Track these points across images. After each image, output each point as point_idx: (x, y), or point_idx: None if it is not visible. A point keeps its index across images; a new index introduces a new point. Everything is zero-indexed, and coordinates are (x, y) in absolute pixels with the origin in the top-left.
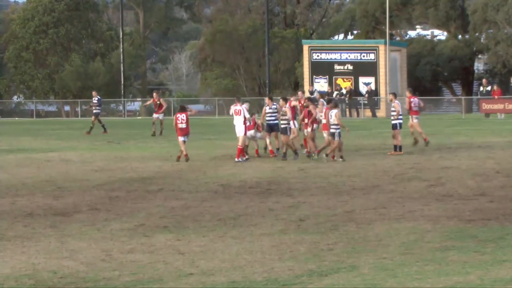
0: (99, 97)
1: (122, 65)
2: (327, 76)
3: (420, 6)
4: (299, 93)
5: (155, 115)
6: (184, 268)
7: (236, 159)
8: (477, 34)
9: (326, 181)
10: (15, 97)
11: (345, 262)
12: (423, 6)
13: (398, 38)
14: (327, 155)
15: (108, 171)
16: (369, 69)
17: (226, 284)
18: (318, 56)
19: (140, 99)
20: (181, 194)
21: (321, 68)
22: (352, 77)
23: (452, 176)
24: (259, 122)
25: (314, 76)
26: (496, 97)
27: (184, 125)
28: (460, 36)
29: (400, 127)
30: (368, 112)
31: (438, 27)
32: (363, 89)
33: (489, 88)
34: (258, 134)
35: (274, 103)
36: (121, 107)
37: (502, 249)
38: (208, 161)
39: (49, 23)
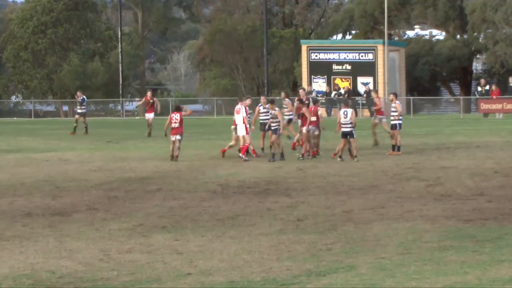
0: (84, 96)
1: (120, 65)
2: (326, 76)
3: (419, 6)
4: (300, 91)
5: (147, 115)
6: (182, 268)
7: (240, 155)
8: (475, 34)
9: (324, 181)
10: (13, 97)
11: (344, 262)
12: (422, 6)
13: (396, 38)
14: (340, 157)
15: (106, 171)
16: (368, 69)
17: (225, 284)
18: (316, 56)
19: (138, 99)
20: (179, 194)
21: (319, 68)
22: (351, 77)
23: (450, 176)
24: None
25: (312, 76)
26: (494, 97)
27: (177, 125)
28: (458, 36)
29: (400, 127)
30: (366, 112)
31: (437, 27)
32: (361, 89)
33: (487, 87)
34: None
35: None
36: (119, 107)
37: (500, 249)
38: (206, 161)
39: (47, 23)
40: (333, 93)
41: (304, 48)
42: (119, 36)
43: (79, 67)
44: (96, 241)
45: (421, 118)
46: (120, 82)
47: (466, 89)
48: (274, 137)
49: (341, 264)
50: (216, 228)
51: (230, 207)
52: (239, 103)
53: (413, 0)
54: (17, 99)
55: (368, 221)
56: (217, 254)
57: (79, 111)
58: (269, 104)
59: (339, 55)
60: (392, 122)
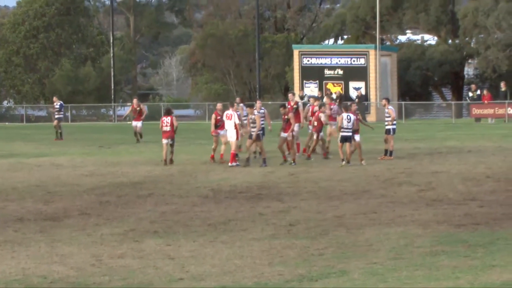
0: (61, 102)
1: (112, 69)
2: (317, 81)
3: (411, 11)
4: (290, 95)
5: (134, 123)
6: (174, 273)
7: (229, 164)
8: (467, 38)
9: (316, 186)
10: (5, 102)
11: (335, 267)
12: (413, 11)
13: (388, 43)
14: (343, 159)
15: (98, 176)
16: (360, 74)
17: None
18: (308, 60)
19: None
20: (171, 199)
21: (311, 73)
22: (342, 82)
23: (442, 181)
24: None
25: (304, 81)
26: (486, 102)
27: (168, 128)
28: (450, 41)
29: (394, 132)
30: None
31: (429, 31)
32: (353, 94)
33: (478, 92)
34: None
35: (262, 108)
36: (111, 112)
37: (492, 254)
38: (198, 166)
39: (39, 28)
40: (325, 98)
41: (296, 53)
42: (111, 41)
43: (71, 72)
44: (88, 246)
45: (413, 123)
46: (112, 87)
47: (458, 94)
48: (258, 143)
49: (333, 269)
50: (208, 233)
51: (222, 212)
52: (230, 109)
53: (405, 5)
54: (9, 104)
55: (360, 226)
56: (209, 259)
57: (56, 116)
58: (248, 108)
59: (331, 60)
60: (386, 127)
